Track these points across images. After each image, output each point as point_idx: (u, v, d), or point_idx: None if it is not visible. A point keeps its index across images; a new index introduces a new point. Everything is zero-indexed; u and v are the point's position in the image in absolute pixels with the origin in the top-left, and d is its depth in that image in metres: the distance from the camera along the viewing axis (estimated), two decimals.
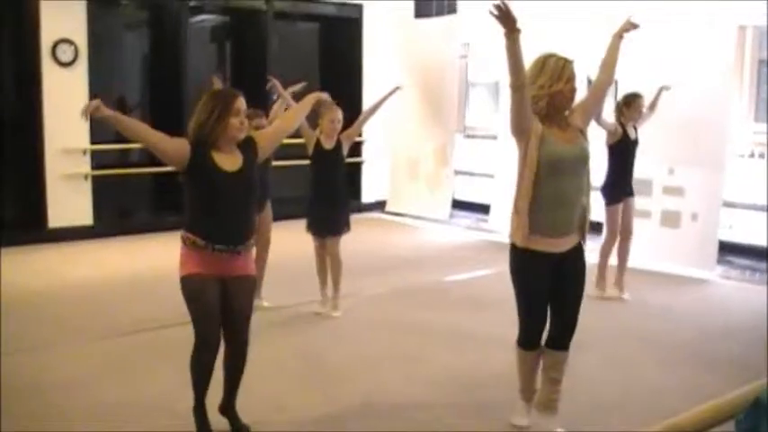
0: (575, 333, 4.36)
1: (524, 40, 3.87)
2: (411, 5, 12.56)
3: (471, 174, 13.16)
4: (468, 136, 15.30)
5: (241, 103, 4.07)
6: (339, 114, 6.55)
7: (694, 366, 5.63)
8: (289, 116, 4.78)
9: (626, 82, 9.29)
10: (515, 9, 3.80)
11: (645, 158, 8.84)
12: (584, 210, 4.22)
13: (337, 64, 12.67)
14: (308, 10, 12.30)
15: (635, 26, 4.52)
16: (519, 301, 4.29)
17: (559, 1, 9.65)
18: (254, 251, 4.42)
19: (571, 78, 4.11)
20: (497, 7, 3.81)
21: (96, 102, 3.85)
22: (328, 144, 6.58)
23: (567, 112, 4.19)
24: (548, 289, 4.21)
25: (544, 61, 4.14)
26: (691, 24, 8.54)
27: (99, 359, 5.67)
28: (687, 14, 8.55)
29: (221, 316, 4.18)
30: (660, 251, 8.76)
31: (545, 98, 4.07)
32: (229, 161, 4.07)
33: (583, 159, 4.15)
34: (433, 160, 11.86)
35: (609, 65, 4.44)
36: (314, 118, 6.29)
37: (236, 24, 11.97)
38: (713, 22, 8.35)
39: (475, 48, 12.42)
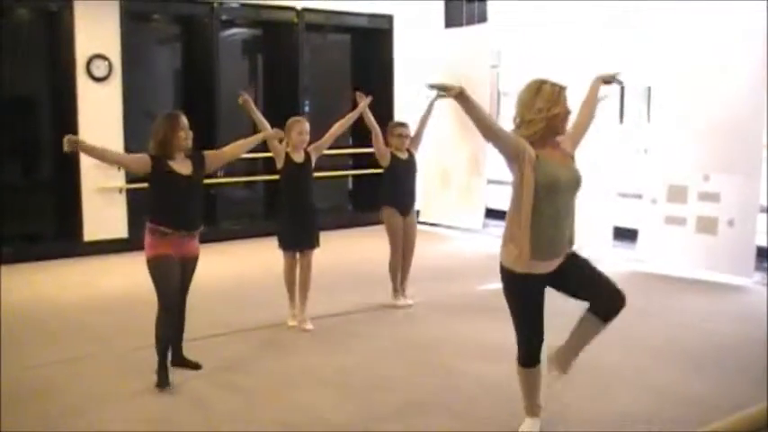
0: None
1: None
2: (441, 15, 12.57)
3: (504, 183, 13.10)
4: None
5: (184, 120, 5.36)
6: (306, 126, 6.63)
7: (730, 374, 5.54)
8: (237, 145, 5.81)
9: (659, 85, 9.25)
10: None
11: (679, 164, 8.77)
12: (571, 231, 4.26)
13: (369, 75, 12.69)
14: (338, 22, 12.34)
15: (618, 81, 4.72)
16: (517, 322, 4.31)
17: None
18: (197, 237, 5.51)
19: (565, 104, 4.19)
20: (435, 87, 4.05)
21: (72, 137, 4.96)
22: (298, 157, 6.59)
23: (558, 137, 4.26)
24: (539, 308, 4.27)
25: (539, 87, 4.17)
26: (721, 25, 8.43)
27: (134, 370, 5.70)
28: (717, 15, 8.46)
29: None
30: (696, 258, 8.66)
31: (543, 121, 4.13)
32: (182, 167, 5.29)
33: (576, 182, 4.22)
34: (466, 170, 11.83)
35: (589, 105, 4.59)
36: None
37: (267, 37, 12.04)
38: (744, 22, 8.24)
39: (506, 57, 12.40)
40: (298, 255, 6.72)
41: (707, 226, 8.54)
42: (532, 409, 4.47)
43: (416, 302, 7.52)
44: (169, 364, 5.36)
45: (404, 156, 7.41)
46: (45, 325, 6.92)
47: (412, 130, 7.55)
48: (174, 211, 5.26)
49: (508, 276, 4.25)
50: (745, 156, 8.27)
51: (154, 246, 5.24)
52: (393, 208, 7.34)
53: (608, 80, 4.65)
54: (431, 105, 7.63)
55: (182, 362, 5.59)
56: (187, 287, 5.51)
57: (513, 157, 4.10)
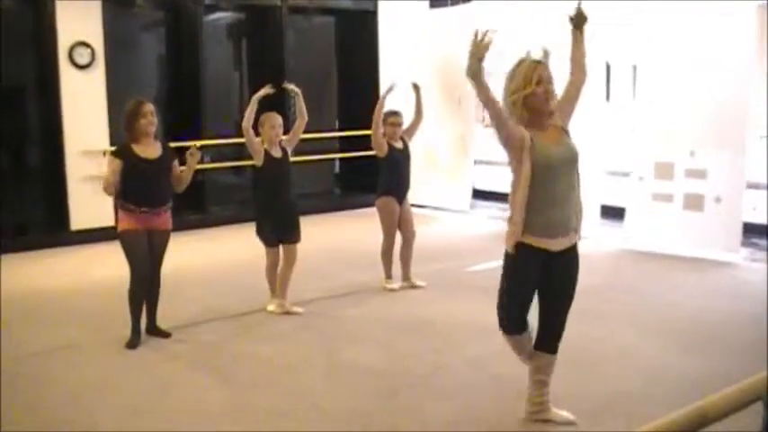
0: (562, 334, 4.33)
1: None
2: None
3: (491, 163, 13.11)
4: (488, 125, 15.23)
5: (148, 107, 5.83)
6: (279, 120, 6.57)
7: (721, 351, 5.58)
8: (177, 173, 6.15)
9: (646, 64, 9.25)
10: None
11: (666, 142, 8.79)
12: (578, 209, 4.20)
13: (354, 57, 12.66)
14: (323, 4, 12.30)
15: (585, 18, 4.40)
16: (506, 290, 4.21)
17: None
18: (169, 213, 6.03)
19: (542, 80, 4.01)
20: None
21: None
22: (276, 152, 6.54)
23: (550, 114, 4.12)
24: (537, 284, 4.17)
25: (516, 67, 4.11)
26: (711, 5, 8.43)
27: (126, 358, 5.70)
28: None
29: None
30: (684, 235, 8.68)
31: (520, 100, 4.03)
32: (148, 151, 5.85)
33: (572, 159, 4.13)
34: (453, 150, 11.82)
35: (576, 62, 4.37)
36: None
37: (251, 21, 11.97)
38: (733, 2, 8.24)
39: (491, 36, 12.37)
40: (281, 248, 6.70)
41: (694, 203, 8.57)
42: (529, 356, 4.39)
43: (406, 283, 7.51)
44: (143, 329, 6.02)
45: (399, 145, 7.43)
46: (37, 314, 6.90)
47: (406, 120, 7.58)
48: (139, 191, 5.81)
49: (508, 257, 4.19)
50: (731, 132, 8.28)
51: (123, 220, 5.88)
52: (390, 196, 7.36)
53: (580, 21, 4.38)
54: (417, 97, 7.73)
55: (154, 330, 6.14)
56: (160, 259, 6.05)
57: (519, 149, 4.00)
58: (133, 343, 5.91)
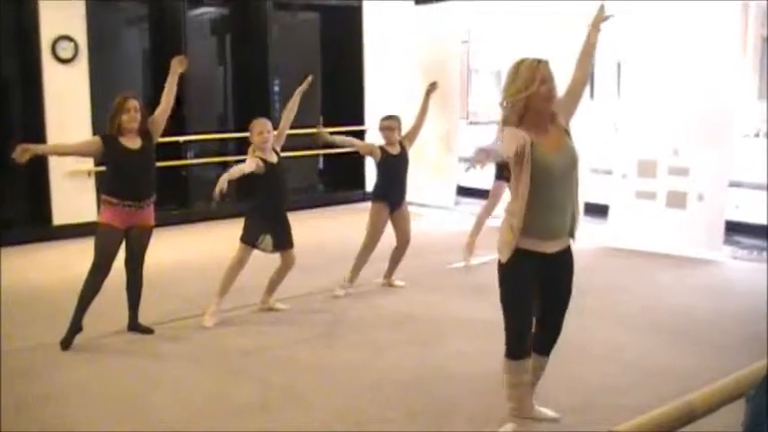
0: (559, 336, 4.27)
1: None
2: None
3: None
4: (472, 122, 15.29)
5: (131, 103, 5.78)
6: (269, 125, 6.37)
7: (703, 347, 5.61)
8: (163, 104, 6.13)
9: (630, 62, 9.28)
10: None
11: (649, 139, 8.82)
12: (573, 212, 4.13)
13: (338, 53, 12.63)
14: (308, 0, 12.26)
15: (608, 17, 4.41)
16: (506, 306, 4.03)
17: None
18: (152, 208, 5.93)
19: (546, 79, 3.89)
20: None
21: (22, 147, 5.49)
22: (271, 157, 6.35)
23: (552, 116, 4.01)
24: (534, 290, 4.05)
25: (518, 66, 3.95)
26: (696, 3, 8.45)
27: (109, 356, 5.68)
28: None
29: (125, 253, 5.92)
30: (666, 232, 8.72)
31: (522, 101, 3.89)
32: (132, 143, 5.78)
33: (572, 165, 4.03)
34: (438, 147, 11.81)
35: (584, 60, 4.30)
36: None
37: (235, 16, 11.93)
38: (719, 0, 8.26)
39: (477, 33, 12.40)
40: (278, 254, 6.54)
41: (677, 200, 8.60)
42: (524, 411, 4.18)
43: (384, 282, 7.51)
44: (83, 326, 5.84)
45: (394, 150, 7.24)
46: (20, 310, 6.83)
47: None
48: (121, 184, 5.77)
49: (501, 264, 4.04)
50: (715, 129, 8.31)
51: (103, 214, 5.80)
52: (380, 202, 7.23)
53: (601, 20, 4.38)
54: (426, 99, 7.55)
55: (136, 327, 6.11)
56: (140, 256, 6.00)
57: (521, 156, 3.83)
58: (67, 341, 5.74)
